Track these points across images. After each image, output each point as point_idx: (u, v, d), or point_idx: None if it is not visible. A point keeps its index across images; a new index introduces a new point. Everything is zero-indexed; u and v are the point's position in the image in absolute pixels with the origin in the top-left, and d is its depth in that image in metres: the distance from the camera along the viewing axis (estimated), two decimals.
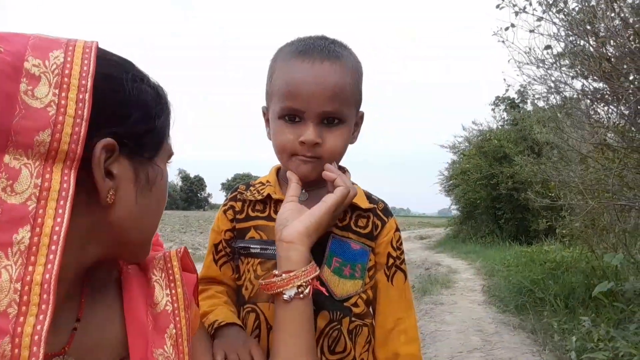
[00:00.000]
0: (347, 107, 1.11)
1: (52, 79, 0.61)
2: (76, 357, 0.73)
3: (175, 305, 0.82)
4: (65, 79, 0.62)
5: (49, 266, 0.58)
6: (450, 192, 20.15)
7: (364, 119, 1.24)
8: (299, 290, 0.94)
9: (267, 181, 1.23)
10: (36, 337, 0.56)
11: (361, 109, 1.21)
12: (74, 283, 0.74)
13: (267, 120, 1.21)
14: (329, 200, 1.03)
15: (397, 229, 1.23)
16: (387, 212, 1.23)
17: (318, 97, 1.05)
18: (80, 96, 0.62)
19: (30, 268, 0.57)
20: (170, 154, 0.82)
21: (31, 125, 0.59)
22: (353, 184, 1.23)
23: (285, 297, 0.94)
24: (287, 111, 1.09)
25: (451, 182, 19.55)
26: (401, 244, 1.23)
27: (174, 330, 0.79)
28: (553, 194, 6.45)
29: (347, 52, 1.14)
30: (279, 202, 1.16)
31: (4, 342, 0.55)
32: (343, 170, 1.25)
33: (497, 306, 6.65)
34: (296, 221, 1.00)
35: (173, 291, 0.83)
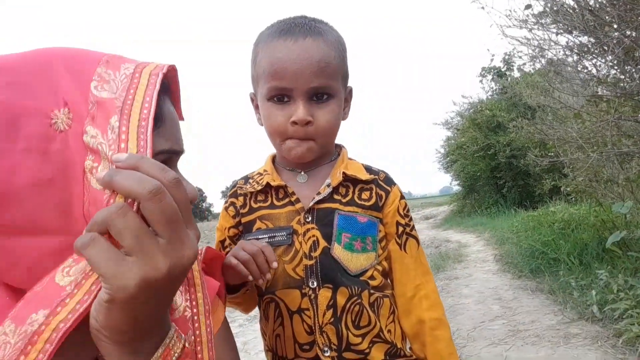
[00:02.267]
0: (334, 81, 1.10)
1: (111, 149, 0.56)
2: None
3: (195, 310, 0.78)
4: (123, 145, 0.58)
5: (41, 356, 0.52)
6: (449, 168, 20.15)
7: (352, 95, 1.23)
8: None
9: (264, 170, 1.22)
10: None
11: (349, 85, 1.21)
12: None
13: (256, 107, 1.20)
14: None
15: (402, 197, 1.22)
16: (389, 181, 1.22)
17: (304, 73, 1.05)
18: None
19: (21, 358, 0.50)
20: (153, 153, 0.67)
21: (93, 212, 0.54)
22: (350, 159, 1.24)
23: None
24: (275, 91, 1.08)
25: (448, 158, 19.54)
26: (408, 210, 1.22)
27: (193, 337, 0.75)
28: (552, 153, 6.44)
29: (328, 27, 1.14)
30: (279, 188, 1.17)
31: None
32: (340, 147, 1.26)
33: (511, 272, 6.65)
34: None
35: (192, 296, 0.79)
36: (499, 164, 15.56)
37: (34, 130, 0.55)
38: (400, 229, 1.19)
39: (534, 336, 3.97)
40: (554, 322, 4.26)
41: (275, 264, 1.04)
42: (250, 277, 1.01)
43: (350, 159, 1.24)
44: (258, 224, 1.17)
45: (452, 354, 1.15)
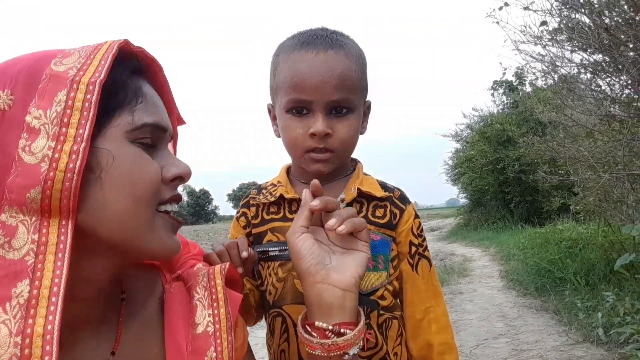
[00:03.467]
0: (354, 95, 1.08)
1: (51, 130, 0.61)
2: None
3: (217, 326, 0.76)
4: (63, 129, 0.61)
5: (50, 317, 0.58)
6: (456, 181, 20.07)
7: (371, 109, 1.21)
8: (360, 345, 0.84)
9: (278, 182, 1.20)
10: None
11: (367, 99, 1.19)
12: (97, 304, 0.72)
13: (273, 118, 1.19)
14: (364, 259, 0.88)
15: (417, 216, 1.19)
16: (404, 199, 1.19)
17: (325, 86, 1.03)
18: (75, 147, 0.61)
19: (30, 321, 0.57)
20: (134, 127, 0.68)
21: (23, 183, 0.60)
22: (366, 174, 1.22)
23: (348, 357, 0.82)
24: (294, 103, 1.06)
25: (456, 170, 19.47)
26: (422, 230, 1.20)
27: (214, 354, 0.74)
28: (563, 171, 6.38)
29: (350, 40, 1.12)
30: (292, 201, 1.15)
31: None
32: (355, 162, 1.24)
33: (517, 290, 6.59)
34: (347, 266, 0.86)
35: (215, 311, 0.78)
36: (508, 179, 15.48)
37: None
38: (414, 249, 1.16)
39: (538, 357, 3.92)
40: (558, 343, 4.20)
41: (245, 253, 1.02)
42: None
43: (365, 174, 1.21)
44: (269, 236, 1.15)
45: None
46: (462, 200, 22.50)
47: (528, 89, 17.06)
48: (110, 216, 0.65)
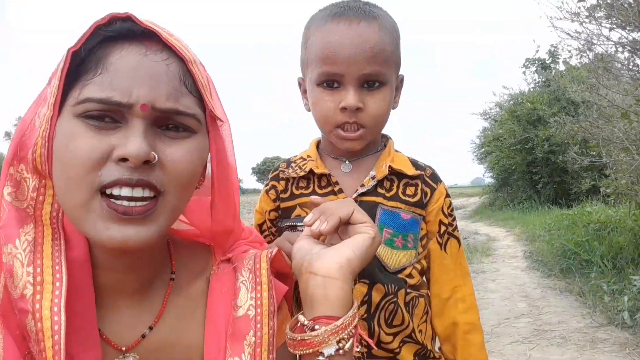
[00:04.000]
0: (387, 68, 1.07)
1: (50, 98, 0.65)
2: (140, 356, 0.73)
3: (259, 310, 0.75)
4: (51, 98, 0.65)
5: (57, 255, 0.65)
6: (483, 159, 19.79)
7: (404, 83, 1.19)
8: (340, 345, 0.69)
9: (308, 156, 1.19)
10: (55, 309, 0.61)
11: (400, 72, 1.17)
12: (138, 276, 0.74)
13: (303, 92, 1.18)
14: (365, 240, 0.78)
15: (447, 195, 1.18)
16: (435, 177, 1.18)
17: (357, 59, 1.02)
18: (48, 114, 0.65)
19: (38, 254, 0.64)
20: (77, 101, 0.63)
21: (29, 143, 0.66)
22: (397, 151, 1.20)
23: (322, 358, 0.69)
24: (325, 77, 1.05)
25: (483, 149, 19.18)
26: (452, 209, 1.19)
27: (254, 338, 0.73)
28: (594, 153, 6.23)
29: (384, 12, 1.10)
30: (322, 176, 1.14)
31: (29, 319, 0.61)
32: (386, 138, 1.23)
33: (541, 271, 6.54)
34: (332, 250, 0.76)
35: (258, 295, 0.77)
36: (536, 159, 15.19)
37: None
38: (443, 228, 1.15)
39: (560, 337, 3.92)
40: (581, 325, 4.19)
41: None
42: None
43: (396, 150, 1.20)
44: (298, 211, 1.15)
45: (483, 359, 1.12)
46: (488, 179, 22.19)
47: (561, 67, 16.58)
48: (57, 193, 0.66)
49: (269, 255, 0.81)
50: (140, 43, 0.66)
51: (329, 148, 1.19)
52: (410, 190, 1.14)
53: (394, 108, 1.16)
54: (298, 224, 1.12)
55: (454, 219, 1.19)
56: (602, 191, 7.38)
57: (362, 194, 1.11)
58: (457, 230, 1.19)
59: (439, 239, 1.15)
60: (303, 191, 1.16)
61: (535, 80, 18.69)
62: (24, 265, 0.63)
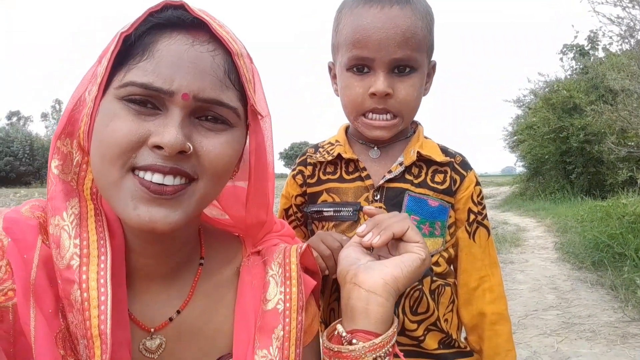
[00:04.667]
0: (419, 54, 1.04)
1: (99, 77, 0.67)
2: (167, 339, 0.74)
3: (287, 305, 0.75)
4: (98, 79, 0.67)
5: (100, 228, 0.68)
6: (515, 148, 19.38)
7: (436, 69, 1.17)
8: None
9: (337, 141, 1.19)
10: (102, 281, 0.64)
11: (433, 58, 1.14)
12: (170, 261, 0.75)
13: (333, 77, 1.17)
14: (414, 261, 0.78)
15: (478, 183, 1.16)
16: (465, 165, 1.16)
17: (388, 43, 1.00)
18: (94, 95, 0.68)
19: (84, 228, 0.67)
20: (120, 84, 0.64)
21: (78, 118, 0.68)
22: (426, 137, 1.18)
23: None
24: (355, 60, 1.04)
25: (516, 138, 18.76)
26: (482, 198, 1.17)
27: (282, 332, 0.73)
28: (633, 143, 6.02)
29: None
30: (350, 161, 1.14)
31: (74, 289, 0.63)
32: (416, 124, 1.21)
33: (571, 263, 6.40)
34: (379, 265, 0.77)
35: (287, 289, 0.77)
36: (570, 148, 14.78)
37: None
38: (472, 216, 1.14)
39: (589, 331, 3.84)
40: (612, 319, 4.09)
41: None
42: (327, 272, 0.99)
43: (425, 137, 1.18)
44: (324, 197, 1.14)
45: (510, 351, 1.11)
46: (519, 168, 21.76)
47: (600, 54, 15.99)
48: (93, 170, 0.68)
49: (299, 250, 0.81)
50: (188, 32, 0.67)
51: (357, 133, 1.18)
52: (439, 178, 1.12)
53: (424, 95, 1.14)
54: (324, 209, 1.12)
55: (484, 208, 1.16)
56: (639, 182, 7.14)
57: (390, 180, 1.10)
58: (487, 220, 1.17)
59: (467, 228, 1.14)
60: (330, 176, 1.15)
61: (572, 67, 18.11)
62: (71, 237, 0.65)
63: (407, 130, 1.18)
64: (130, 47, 0.65)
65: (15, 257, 0.63)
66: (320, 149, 1.19)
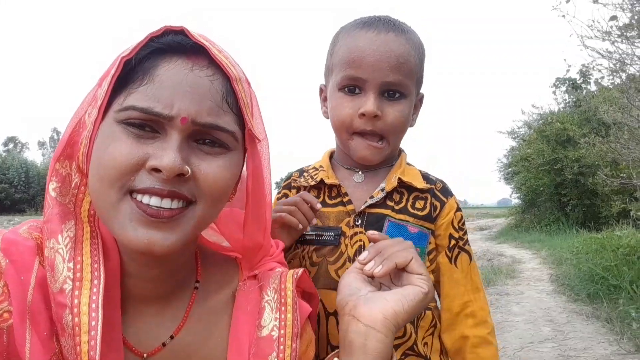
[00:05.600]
0: (409, 81, 1.08)
1: (99, 101, 0.68)
2: None
3: (282, 332, 0.75)
4: (98, 102, 0.68)
5: (94, 252, 0.67)
6: (510, 179, 19.48)
7: (423, 102, 1.20)
8: None
9: (320, 166, 1.20)
10: (93, 305, 0.63)
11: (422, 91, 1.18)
12: (165, 284, 0.75)
13: (323, 99, 1.19)
14: (417, 295, 0.76)
15: (459, 209, 1.17)
16: (446, 191, 1.17)
17: (381, 65, 1.03)
18: (94, 118, 0.67)
19: (78, 251, 0.66)
20: (121, 108, 0.65)
21: (78, 140, 0.69)
22: (409, 164, 1.20)
23: None
24: (348, 80, 1.07)
25: (511, 169, 18.89)
26: (463, 224, 1.18)
27: (276, 359, 0.73)
28: (625, 174, 6.07)
29: (412, 30, 1.13)
30: (332, 187, 1.15)
31: (66, 314, 0.62)
32: (400, 151, 1.22)
33: (567, 295, 6.36)
34: (380, 298, 0.75)
35: (282, 315, 0.77)
36: (565, 180, 14.86)
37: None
38: (453, 242, 1.14)
39: None
40: (608, 352, 4.04)
41: (319, 205, 1.05)
42: (300, 226, 1.03)
43: (408, 164, 1.20)
44: None
45: None
46: (515, 200, 21.81)
47: (593, 87, 16.28)
48: (90, 192, 0.69)
49: (295, 276, 0.81)
50: (188, 57, 0.68)
51: (342, 158, 1.20)
52: (419, 204, 1.13)
53: (411, 126, 1.17)
54: (307, 233, 1.12)
55: (465, 233, 1.17)
56: (633, 214, 7.17)
57: (371, 206, 1.11)
58: (469, 245, 1.17)
59: (448, 253, 1.14)
60: None
61: (565, 100, 18.40)
62: (65, 260, 0.65)
63: (393, 157, 1.20)
64: (130, 71, 0.66)
65: (13, 278, 0.63)
66: (305, 174, 1.21)
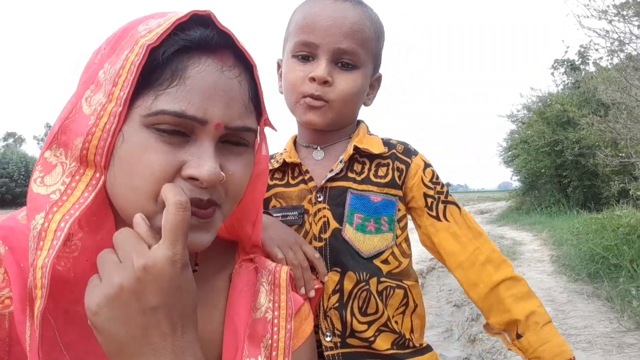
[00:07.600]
0: (363, 51, 1.07)
1: (107, 86, 0.63)
2: None
3: (276, 313, 0.76)
4: (113, 88, 0.62)
5: (51, 251, 0.58)
6: (510, 163, 19.48)
7: (381, 83, 1.19)
8: None
9: (285, 149, 1.21)
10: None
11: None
12: None
13: (280, 75, 1.18)
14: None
15: (427, 165, 1.14)
16: (408, 152, 1.15)
17: (335, 31, 1.03)
18: (115, 109, 0.62)
19: (38, 252, 0.58)
20: (150, 112, 0.62)
21: (74, 129, 0.64)
22: (370, 134, 1.18)
23: None
24: (301, 46, 1.06)
25: (511, 152, 18.87)
26: (437, 178, 1.14)
27: (270, 341, 0.73)
28: (624, 154, 6.08)
29: (371, 9, 1.12)
30: (295, 166, 1.14)
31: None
32: (358, 122, 1.20)
33: (567, 275, 6.39)
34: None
35: (276, 297, 0.77)
36: (565, 162, 14.85)
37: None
38: (430, 200, 1.11)
39: (586, 342, 3.83)
40: (608, 330, 4.08)
41: (326, 278, 1.02)
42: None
43: (370, 134, 1.18)
44: (273, 202, 1.14)
45: (541, 306, 1.06)
46: (515, 183, 21.84)
47: (591, 68, 16.21)
48: (117, 195, 0.66)
49: (288, 271, 0.82)
50: (215, 56, 0.66)
51: (301, 137, 1.20)
52: (382, 171, 1.11)
53: (366, 105, 1.16)
54: (273, 215, 1.11)
55: (442, 186, 1.14)
56: (632, 194, 7.19)
57: (332, 180, 1.10)
58: (451, 196, 1.14)
59: (430, 212, 1.11)
60: (277, 182, 1.16)
61: (564, 81, 18.33)
62: (30, 264, 0.59)
63: (351, 130, 1.18)
64: (154, 68, 0.63)
65: (12, 265, 0.63)
66: (272, 159, 1.20)
